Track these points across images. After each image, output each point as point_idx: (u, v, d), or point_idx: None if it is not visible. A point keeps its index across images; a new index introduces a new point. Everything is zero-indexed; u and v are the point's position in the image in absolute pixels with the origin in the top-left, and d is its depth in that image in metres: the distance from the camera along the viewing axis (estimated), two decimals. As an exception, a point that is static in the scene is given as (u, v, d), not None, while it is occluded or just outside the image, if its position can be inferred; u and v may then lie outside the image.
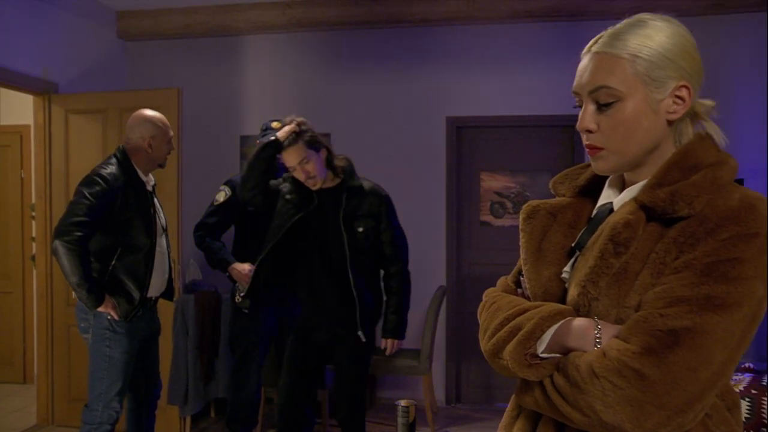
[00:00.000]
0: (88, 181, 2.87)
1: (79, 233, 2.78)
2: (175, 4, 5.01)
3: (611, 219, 1.11)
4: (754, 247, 1.00)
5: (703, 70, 1.12)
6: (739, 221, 1.01)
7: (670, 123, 1.10)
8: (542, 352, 1.09)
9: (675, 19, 1.12)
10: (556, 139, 4.89)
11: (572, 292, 1.11)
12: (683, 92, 1.08)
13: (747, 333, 1.01)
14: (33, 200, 4.93)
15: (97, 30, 5.00)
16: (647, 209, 1.08)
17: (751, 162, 4.37)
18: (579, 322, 1.08)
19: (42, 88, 4.41)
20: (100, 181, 2.86)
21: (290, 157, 2.91)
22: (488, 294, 1.29)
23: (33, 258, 5.05)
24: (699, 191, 1.05)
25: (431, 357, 4.35)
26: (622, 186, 1.18)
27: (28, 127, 5.29)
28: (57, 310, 4.45)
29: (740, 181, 3.82)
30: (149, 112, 3.09)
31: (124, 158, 3.00)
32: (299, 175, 2.91)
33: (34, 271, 4.86)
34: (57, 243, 2.78)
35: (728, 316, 0.98)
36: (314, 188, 2.92)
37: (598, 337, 1.05)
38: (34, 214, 4.86)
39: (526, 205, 1.27)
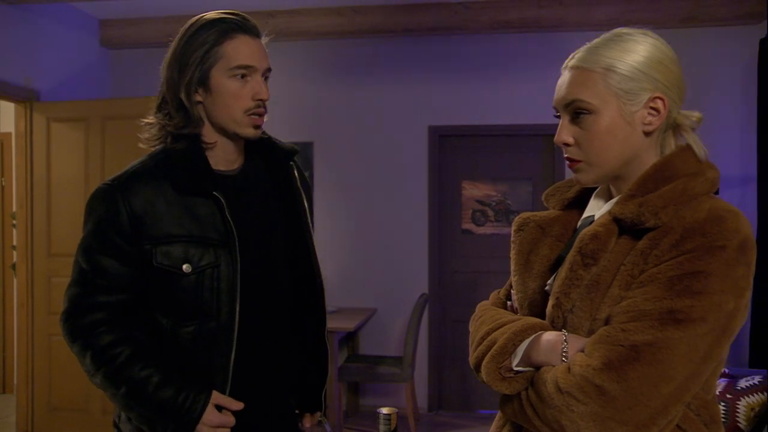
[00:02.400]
0: None
1: None
2: (158, 13, 5.01)
3: (582, 231, 1.11)
4: (721, 260, 0.98)
5: (683, 81, 1.12)
6: (705, 233, 1.00)
7: (647, 134, 1.10)
8: (516, 366, 1.09)
9: (653, 32, 1.12)
10: (538, 148, 4.96)
11: (548, 305, 1.12)
12: (658, 103, 1.08)
13: (715, 347, 0.99)
14: (14, 208, 4.90)
15: (80, 38, 4.99)
16: (619, 221, 1.07)
17: (726, 171, 4.46)
18: (548, 336, 1.08)
19: (24, 96, 4.38)
20: None
21: (257, 52, 1.49)
22: (478, 307, 1.29)
23: (14, 266, 5.00)
24: (666, 202, 1.04)
25: (413, 364, 4.38)
26: (608, 198, 1.18)
27: (9, 135, 5.24)
28: (38, 319, 4.42)
29: (715, 192, 3.91)
30: None
31: None
32: (252, 91, 1.48)
33: (15, 280, 4.82)
34: None
35: (691, 331, 0.97)
36: (255, 133, 1.50)
37: (565, 351, 1.05)
38: (14, 222, 4.83)
39: (517, 217, 1.27)
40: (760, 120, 4.26)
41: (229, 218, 1.43)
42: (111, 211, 1.39)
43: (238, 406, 1.43)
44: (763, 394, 3.01)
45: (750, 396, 3.04)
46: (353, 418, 4.83)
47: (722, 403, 3.04)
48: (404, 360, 4.30)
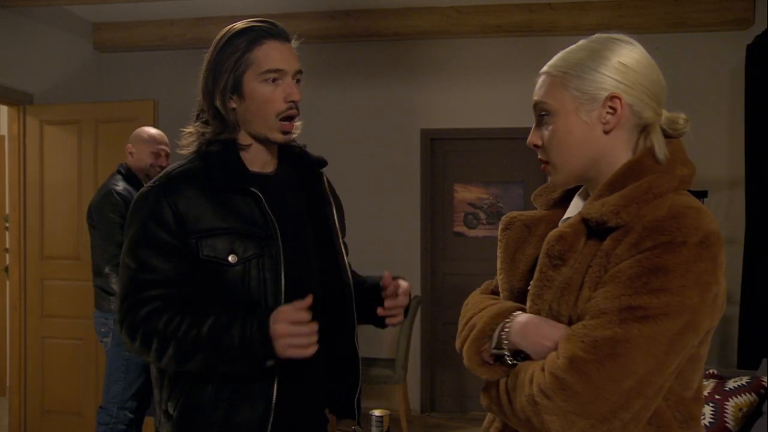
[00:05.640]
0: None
1: None
2: (151, 16, 5.02)
3: (550, 233, 1.13)
4: (680, 256, 0.99)
5: (657, 83, 1.12)
6: (663, 230, 1.01)
7: (606, 133, 1.12)
8: (494, 349, 1.12)
9: (630, 37, 1.14)
10: (529, 151, 4.90)
11: (527, 305, 1.15)
12: (615, 103, 1.10)
13: (677, 341, 1.00)
14: (7, 211, 4.89)
15: (73, 41, 4.99)
16: (587, 222, 1.09)
17: (714, 175, 4.52)
18: (521, 318, 1.11)
19: (17, 99, 4.38)
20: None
21: (286, 56, 1.53)
22: (470, 296, 1.33)
23: (6, 269, 4.99)
24: (628, 201, 1.05)
25: (406, 366, 4.40)
26: (586, 199, 1.19)
27: (2, 137, 5.24)
28: (30, 322, 4.42)
29: (703, 193, 3.95)
30: (141, 128, 3.31)
31: (127, 171, 3.24)
32: (284, 93, 1.52)
33: (8, 282, 4.81)
34: None
35: (651, 327, 0.98)
36: (284, 139, 1.55)
37: (537, 334, 1.08)
38: (8, 225, 4.82)
39: (504, 216, 1.30)
40: (748, 124, 4.32)
41: (268, 210, 1.46)
42: (155, 209, 1.42)
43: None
44: (751, 394, 3.04)
45: (738, 396, 3.07)
46: (345, 421, 4.84)
47: (711, 404, 3.07)
48: (397, 362, 4.32)
